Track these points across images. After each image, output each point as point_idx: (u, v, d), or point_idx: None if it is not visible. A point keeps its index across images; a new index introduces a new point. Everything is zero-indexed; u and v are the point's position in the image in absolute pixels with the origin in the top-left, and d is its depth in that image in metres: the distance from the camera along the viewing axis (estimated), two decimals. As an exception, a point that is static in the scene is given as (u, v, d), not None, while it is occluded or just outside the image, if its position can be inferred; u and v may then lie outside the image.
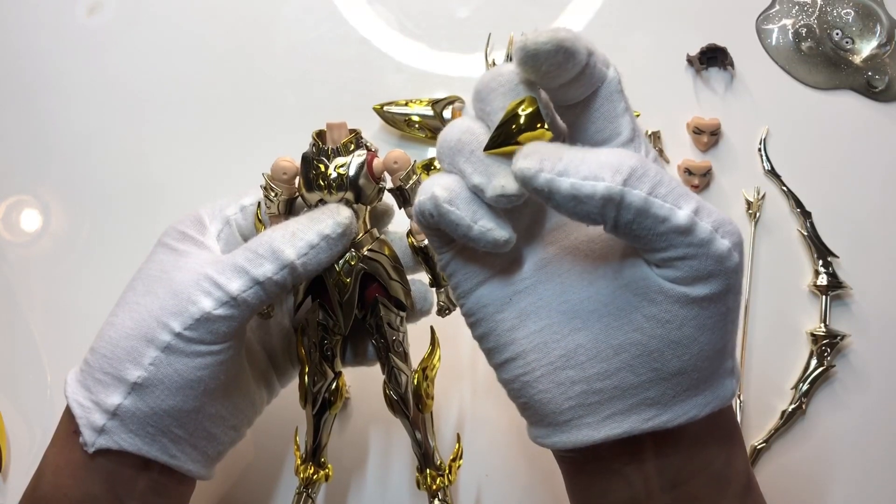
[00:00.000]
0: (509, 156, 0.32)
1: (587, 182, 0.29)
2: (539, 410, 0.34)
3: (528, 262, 0.35)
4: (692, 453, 0.34)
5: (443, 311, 0.43)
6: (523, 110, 0.31)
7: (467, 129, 0.33)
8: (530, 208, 0.35)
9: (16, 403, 0.55)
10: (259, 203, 0.43)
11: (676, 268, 0.31)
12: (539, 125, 0.31)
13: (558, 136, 0.33)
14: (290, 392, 0.46)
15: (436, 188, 0.33)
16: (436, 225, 0.33)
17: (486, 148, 0.32)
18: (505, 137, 0.32)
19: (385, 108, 0.59)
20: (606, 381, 0.32)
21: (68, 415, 0.38)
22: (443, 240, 0.35)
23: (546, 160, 0.30)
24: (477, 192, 0.33)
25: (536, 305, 0.34)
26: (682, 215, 0.30)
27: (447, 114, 0.59)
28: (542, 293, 0.34)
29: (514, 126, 0.31)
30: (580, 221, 0.31)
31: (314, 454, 0.44)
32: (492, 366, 0.36)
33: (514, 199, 0.32)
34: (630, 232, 0.30)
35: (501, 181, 0.32)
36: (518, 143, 0.31)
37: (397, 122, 0.59)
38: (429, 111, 0.58)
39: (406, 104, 0.59)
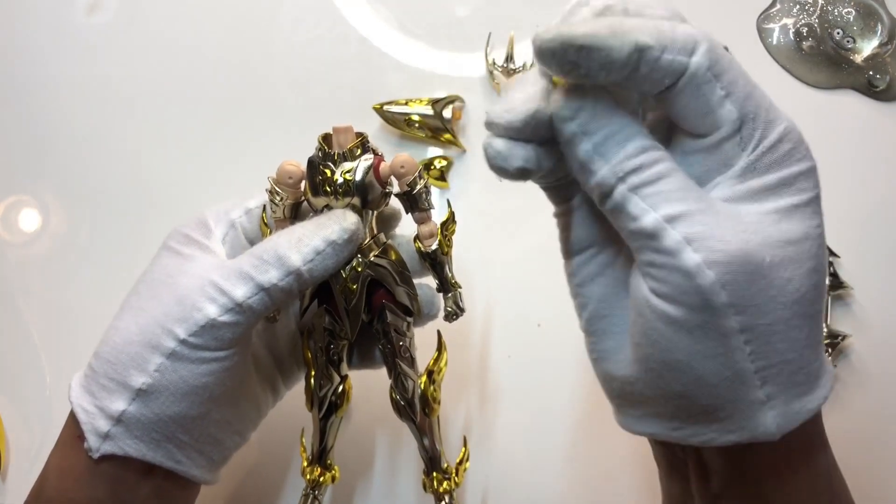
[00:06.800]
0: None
1: (598, 159, 0.29)
2: (603, 388, 0.35)
3: (603, 255, 0.34)
4: (736, 475, 0.33)
5: (450, 317, 0.42)
6: None
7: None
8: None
9: (15, 404, 0.55)
10: (264, 206, 0.42)
11: (651, 276, 0.29)
12: None
13: None
14: (295, 393, 0.46)
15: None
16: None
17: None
18: None
19: (385, 107, 0.59)
20: (632, 386, 0.32)
21: (73, 419, 0.38)
22: (560, 197, 0.34)
23: (584, 110, 0.29)
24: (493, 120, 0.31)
25: (605, 293, 0.33)
26: (649, 218, 0.28)
27: (447, 113, 0.59)
28: (605, 286, 0.33)
29: None
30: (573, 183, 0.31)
31: (320, 457, 0.44)
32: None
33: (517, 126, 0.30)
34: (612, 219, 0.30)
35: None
36: None
37: (397, 122, 0.59)
38: (429, 111, 0.58)
39: (406, 103, 0.59)
